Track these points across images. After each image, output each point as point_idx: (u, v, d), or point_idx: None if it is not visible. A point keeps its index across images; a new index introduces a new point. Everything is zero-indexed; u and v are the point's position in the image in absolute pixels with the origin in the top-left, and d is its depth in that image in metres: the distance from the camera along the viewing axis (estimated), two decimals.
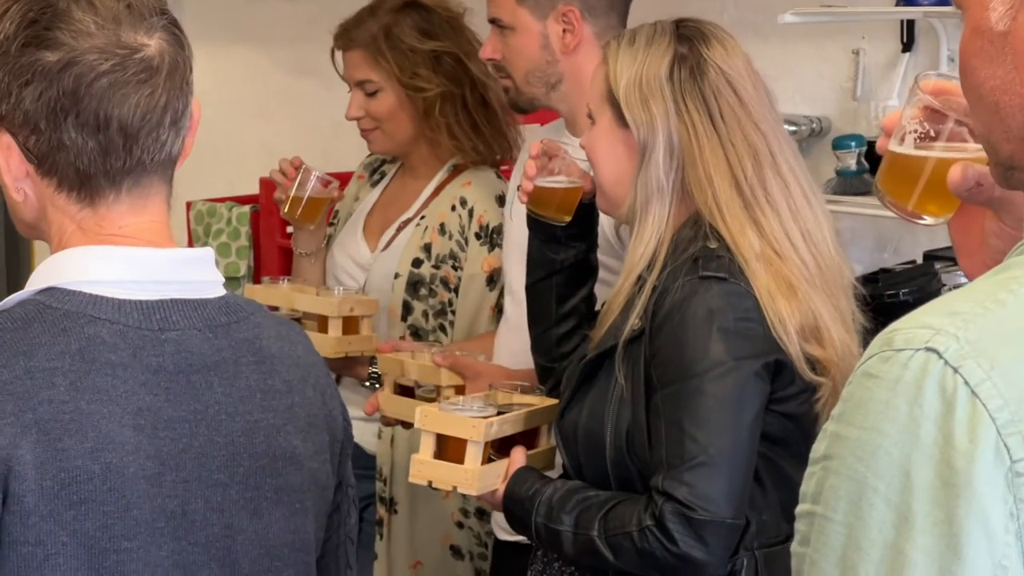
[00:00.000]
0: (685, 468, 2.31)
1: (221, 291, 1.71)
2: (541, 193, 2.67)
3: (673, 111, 2.46)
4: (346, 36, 3.38)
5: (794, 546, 1.24)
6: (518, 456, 2.58)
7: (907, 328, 1.20)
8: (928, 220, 1.56)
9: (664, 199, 2.46)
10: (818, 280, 2.42)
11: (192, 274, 1.68)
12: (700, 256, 2.40)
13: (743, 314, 2.36)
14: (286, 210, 3.39)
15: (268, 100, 5.09)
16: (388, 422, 3.06)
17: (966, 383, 1.15)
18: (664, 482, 2.33)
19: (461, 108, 3.35)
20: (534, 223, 2.73)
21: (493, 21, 3.04)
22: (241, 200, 4.39)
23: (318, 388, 1.77)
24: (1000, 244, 1.46)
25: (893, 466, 1.16)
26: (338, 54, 3.42)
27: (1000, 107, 1.29)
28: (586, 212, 2.67)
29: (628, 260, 2.50)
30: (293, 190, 3.35)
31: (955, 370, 1.16)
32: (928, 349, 1.17)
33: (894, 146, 1.56)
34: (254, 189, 4.33)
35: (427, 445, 2.59)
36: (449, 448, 2.57)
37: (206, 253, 1.72)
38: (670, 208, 2.47)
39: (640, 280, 2.45)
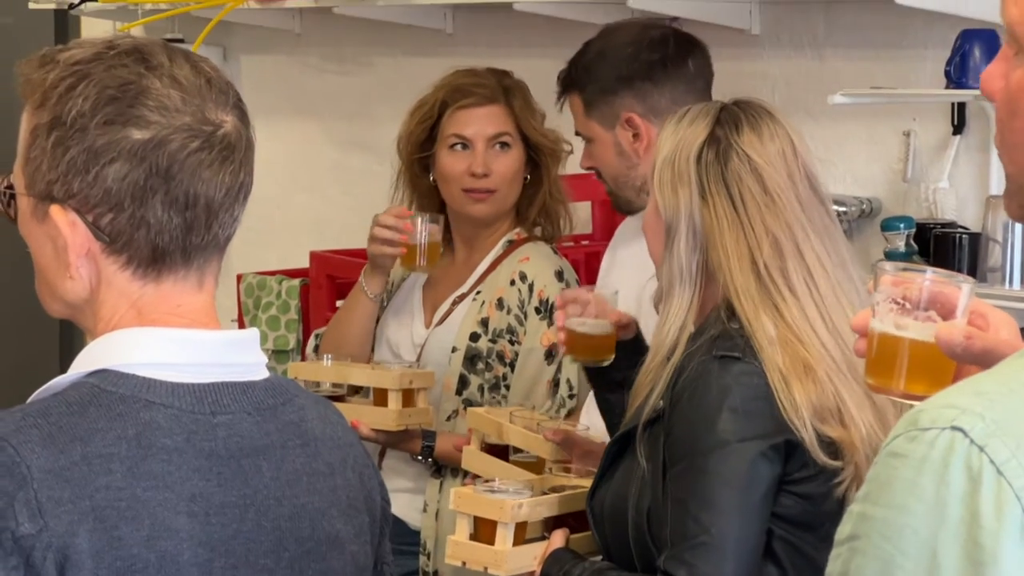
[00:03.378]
0: (687, 548, 2.30)
1: (265, 372, 1.70)
2: (575, 340, 2.69)
3: (697, 194, 2.46)
4: (478, 92, 3.41)
5: None
6: (557, 538, 2.58)
7: (933, 408, 1.21)
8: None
9: (687, 282, 2.46)
10: (844, 368, 2.39)
11: (239, 356, 1.68)
12: (718, 336, 2.40)
13: (753, 394, 2.35)
14: (405, 262, 3.37)
15: (320, 174, 5.12)
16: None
17: (991, 462, 1.17)
18: (666, 561, 2.32)
19: (553, 181, 3.43)
20: (587, 373, 2.74)
21: (577, 133, 3.16)
22: (291, 274, 4.40)
23: (356, 469, 1.76)
24: None
25: (920, 544, 1.17)
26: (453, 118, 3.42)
27: None
28: (633, 346, 2.68)
29: (654, 341, 2.50)
30: (412, 239, 3.33)
31: (981, 449, 1.17)
32: (954, 428, 1.18)
33: (875, 326, 1.61)
34: (304, 263, 4.35)
35: (463, 526, 2.63)
36: (484, 529, 2.61)
37: (252, 335, 1.71)
38: (695, 291, 2.46)
39: (666, 361, 2.45)
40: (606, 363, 2.70)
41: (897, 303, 1.60)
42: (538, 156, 3.42)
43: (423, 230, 3.35)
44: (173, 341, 1.64)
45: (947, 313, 1.58)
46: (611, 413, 2.75)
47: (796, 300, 2.42)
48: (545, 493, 2.69)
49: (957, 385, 1.24)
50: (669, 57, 3.10)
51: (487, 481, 2.69)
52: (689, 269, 2.46)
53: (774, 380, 2.35)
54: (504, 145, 3.39)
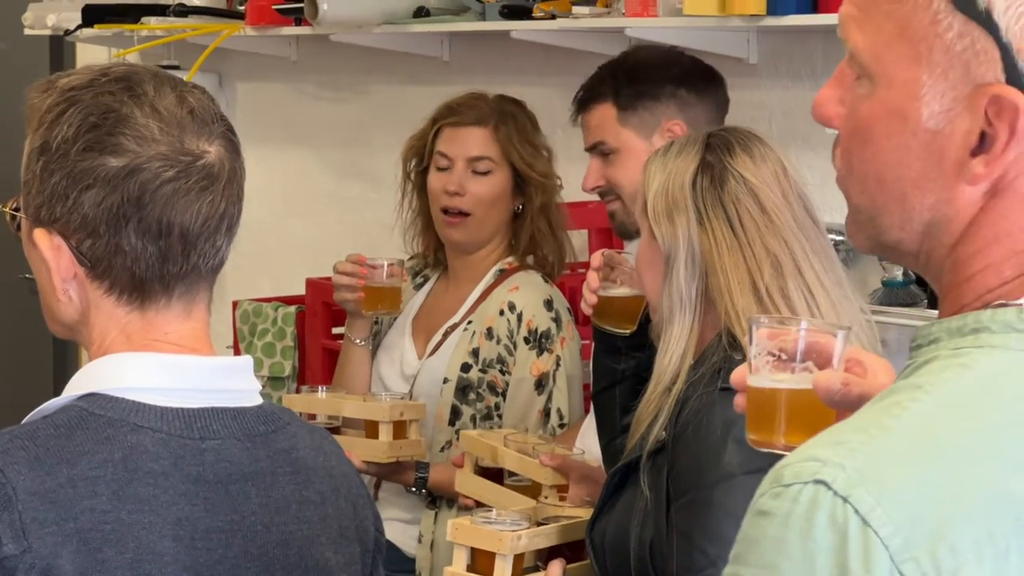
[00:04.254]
0: None
1: (258, 399, 1.71)
2: (603, 303, 2.69)
3: (695, 220, 2.45)
4: (467, 113, 3.40)
5: None
6: (555, 568, 2.57)
7: (795, 463, 1.18)
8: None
9: (687, 310, 2.45)
10: None
11: (232, 383, 1.68)
12: (722, 367, 2.39)
13: None
14: (368, 306, 3.38)
15: (315, 201, 5.12)
16: (465, 504, 3.09)
17: (856, 512, 1.13)
18: None
19: (538, 212, 3.40)
20: (598, 333, 2.73)
21: (594, 147, 3.05)
22: (287, 300, 4.40)
23: (350, 498, 1.76)
24: None
25: None
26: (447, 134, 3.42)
27: (907, 199, 1.27)
28: (650, 322, 2.67)
29: (655, 370, 2.49)
30: (370, 284, 3.35)
31: (844, 500, 1.14)
32: (816, 481, 1.15)
33: (752, 381, 1.60)
34: (300, 290, 4.34)
35: (460, 558, 2.62)
36: (482, 561, 2.60)
37: (245, 362, 1.72)
38: (694, 319, 2.45)
39: (668, 391, 2.45)
40: (625, 333, 2.69)
41: (773, 355, 1.59)
42: (524, 186, 3.40)
43: (383, 273, 3.36)
44: (163, 366, 1.64)
45: (824, 362, 1.57)
46: (602, 375, 2.75)
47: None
48: (540, 523, 2.67)
49: (818, 436, 1.21)
50: (710, 75, 3.09)
51: (484, 512, 2.68)
52: (689, 296, 2.45)
53: None
54: (483, 170, 3.37)
